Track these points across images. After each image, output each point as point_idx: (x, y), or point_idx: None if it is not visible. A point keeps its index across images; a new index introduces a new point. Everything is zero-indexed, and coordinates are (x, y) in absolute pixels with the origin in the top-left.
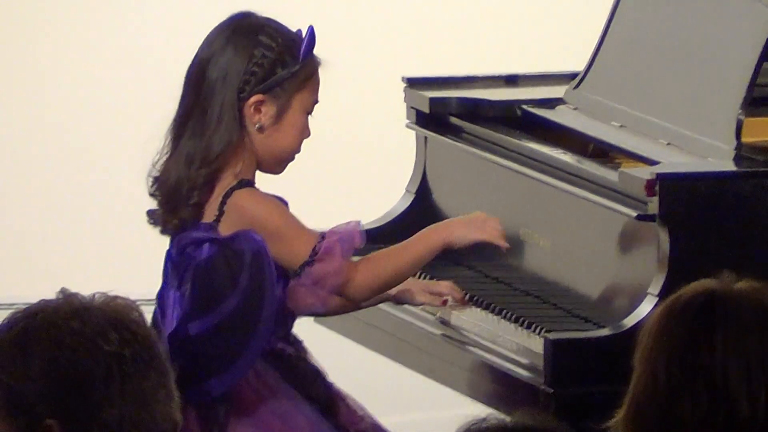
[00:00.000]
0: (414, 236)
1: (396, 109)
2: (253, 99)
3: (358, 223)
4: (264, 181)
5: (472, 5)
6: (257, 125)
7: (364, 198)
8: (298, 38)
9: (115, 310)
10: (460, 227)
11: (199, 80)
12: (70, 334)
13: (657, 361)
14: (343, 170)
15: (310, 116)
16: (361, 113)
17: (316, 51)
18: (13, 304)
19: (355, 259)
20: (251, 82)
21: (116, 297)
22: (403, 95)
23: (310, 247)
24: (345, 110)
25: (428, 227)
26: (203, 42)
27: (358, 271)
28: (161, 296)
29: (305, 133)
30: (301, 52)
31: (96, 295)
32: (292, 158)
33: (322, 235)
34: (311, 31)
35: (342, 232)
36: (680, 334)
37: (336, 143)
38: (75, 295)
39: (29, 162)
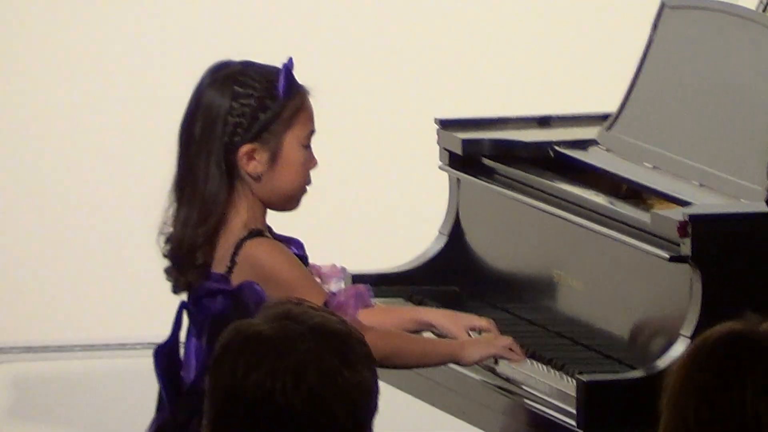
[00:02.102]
0: (430, 337)
1: (429, 150)
2: (243, 150)
3: (368, 286)
4: (292, 218)
5: (505, 46)
6: (254, 174)
7: (396, 240)
8: (276, 77)
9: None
10: (472, 346)
11: (187, 142)
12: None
13: (686, 404)
14: (376, 211)
15: (310, 147)
16: (394, 155)
17: (352, 107)
18: (30, 347)
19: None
20: (237, 134)
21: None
22: (436, 137)
23: (321, 300)
24: (378, 151)
25: (445, 340)
26: (188, 103)
27: (366, 334)
28: (166, 348)
29: (308, 164)
30: (280, 90)
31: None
32: (304, 191)
33: (333, 293)
34: (286, 67)
35: (354, 291)
36: (709, 377)
37: (369, 184)
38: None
39: (44, 205)
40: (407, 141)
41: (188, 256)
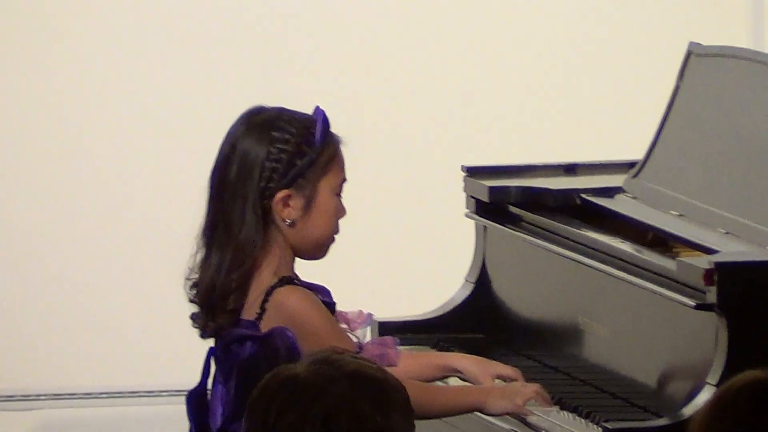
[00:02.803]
0: (453, 386)
1: (456, 198)
2: (279, 195)
3: (394, 339)
4: (319, 265)
5: (532, 94)
6: (288, 221)
7: (423, 287)
8: (312, 123)
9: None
10: (497, 396)
11: (220, 187)
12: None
13: None
14: (403, 258)
15: (341, 196)
16: (420, 202)
17: (377, 155)
18: (58, 395)
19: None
20: (273, 179)
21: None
22: (462, 184)
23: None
24: (405, 198)
25: (470, 387)
26: (221, 146)
27: None
28: (196, 394)
29: (339, 213)
30: (317, 137)
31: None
32: (332, 241)
33: (360, 345)
34: (322, 114)
35: (379, 352)
36: (733, 424)
37: (396, 231)
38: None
39: (74, 253)
40: (434, 188)
41: (220, 301)
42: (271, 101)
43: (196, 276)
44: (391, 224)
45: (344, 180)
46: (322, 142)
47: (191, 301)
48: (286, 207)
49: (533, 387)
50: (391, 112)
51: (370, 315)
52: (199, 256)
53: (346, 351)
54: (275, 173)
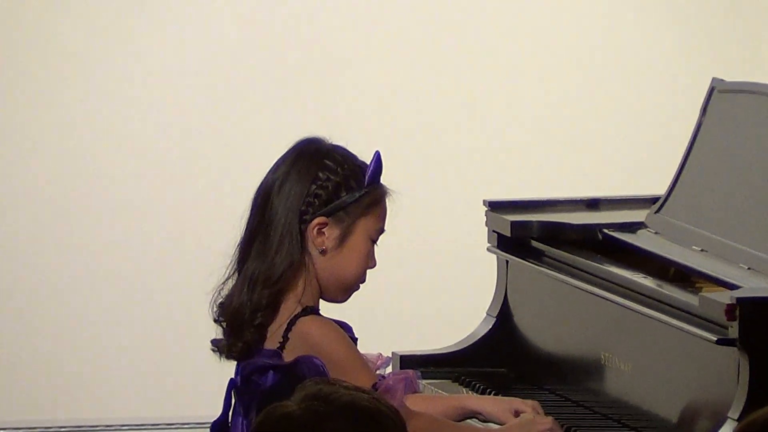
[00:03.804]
0: (473, 426)
1: (478, 232)
2: (315, 221)
3: (416, 372)
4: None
5: (554, 130)
6: (320, 248)
7: (444, 321)
8: (364, 166)
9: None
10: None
11: (263, 204)
12: None
13: None
14: (425, 293)
15: (375, 245)
16: (442, 236)
17: (387, 182)
18: (79, 427)
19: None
20: (314, 204)
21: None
22: (484, 219)
23: (370, 383)
24: (426, 233)
25: (486, 426)
26: (271, 168)
27: (411, 419)
28: (219, 425)
29: (370, 261)
30: (367, 177)
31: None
32: (357, 287)
33: (382, 377)
34: (377, 157)
35: (404, 376)
36: None
37: (418, 265)
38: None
39: (92, 287)
40: (456, 222)
41: (249, 317)
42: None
43: (224, 294)
44: (414, 258)
45: (382, 230)
46: (371, 183)
47: (216, 320)
48: (321, 235)
49: (548, 419)
50: (412, 145)
51: (388, 359)
52: (228, 275)
53: (337, 381)
54: (318, 199)
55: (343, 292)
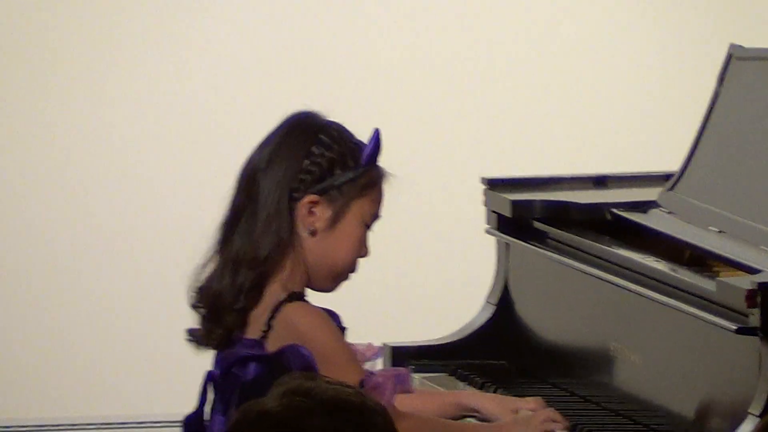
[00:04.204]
0: (468, 424)
1: (475, 213)
2: (306, 199)
3: (409, 369)
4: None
5: (558, 100)
6: (310, 228)
7: (439, 309)
8: (362, 144)
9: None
10: (512, 429)
11: (250, 181)
12: None
13: None
14: (418, 279)
15: (369, 231)
16: (436, 217)
17: (385, 164)
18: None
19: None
20: (306, 181)
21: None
22: (482, 198)
23: (357, 378)
24: (419, 214)
25: (484, 425)
26: (259, 143)
27: (399, 420)
28: (194, 421)
29: (362, 248)
30: (364, 155)
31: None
32: (346, 276)
33: (370, 373)
34: (377, 136)
35: (394, 373)
36: None
37: (410, 249)
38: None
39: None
40: (452, 202)
41: (231, 300)
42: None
43: (203, 280)
44: (405, 242)
45: (378, 215)
46: (369, 162)
47: (194, 306)
48: (311, 214)
49: (546, 410)
50: (404, 119)
51: (380, 349)
52: (212, 255)
53: (318, 376)
54: (310, 175)
55: (331, 279)
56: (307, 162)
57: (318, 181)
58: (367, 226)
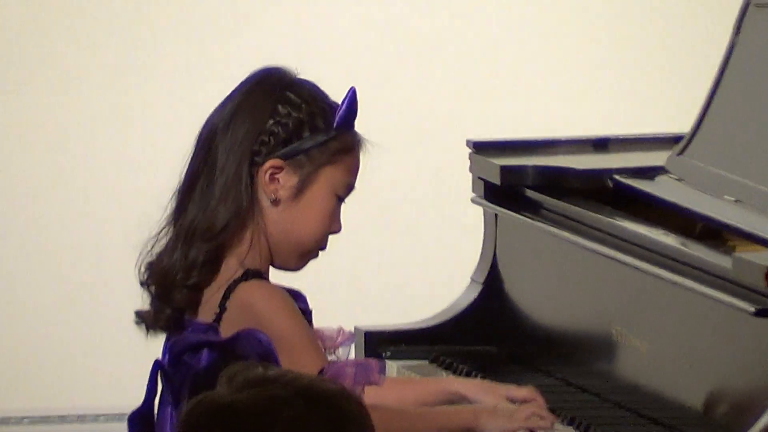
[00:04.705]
0: (437, 409)
1: (460, 179)
2: (269, 163)
3: (378, 361)
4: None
5: (552, 54)
6: (272, 197)
7: (419, 289)
8: (335, 105)
9: None
10: (490, 416)
11: (208, 143)
12: None
13: None
14: (395, 254)
15: (341, 204)
16: (416, 185)
17: (361, 128)
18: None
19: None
20: (270, 144)
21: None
22: (467, 163)
23: (317, 367)
24: (396, 180)
25: (454, 407)
26: (221, 102)
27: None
28: (140, 416)
29: (332, 222)
30: (337, 117)
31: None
32: (314, 253)
33: (333, 362)
34: (352, 95)
35: (361, 363)
36: None
37: (385, 221)
38: None
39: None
40: (433, 167)
41: (182, 276)
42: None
43: (154, 255)
44: (380, 213)
45: (352, 186)
46: (342, 125)
47: (143, 284)
48: (274, 181)
49: (532, 406)
50: (378, 74)
51: (351, 334)
52: (164, 229)
53: (270, 365)
54: (274, 138)
55: (296, 256)
56: (271, 122)
57: (283, 144)
58: (339, 198)
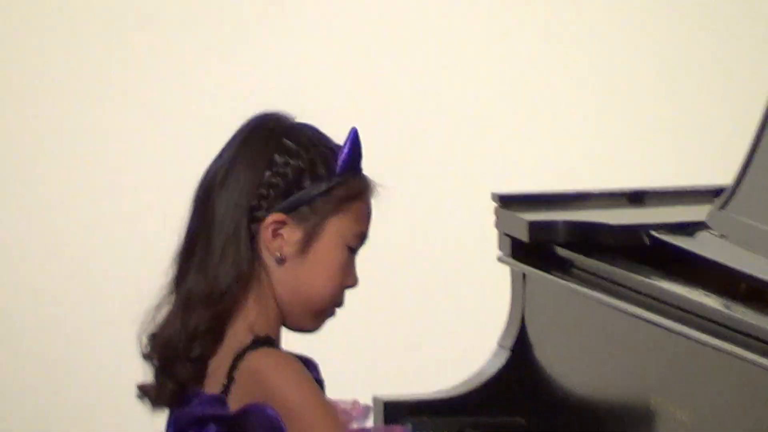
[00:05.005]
0: None
1: (484, 236)
2: (270, 219)
3: (406, 427)
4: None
5: (583, 102)
6: (276, 255)
7: (442, 355)
8: (338, 149)
9: None
10: None
11: (204, 201)
12: None
13: None
14: (415, 319)
15: (355, 255)
16: (437, 242)
17: (373, 173)
18: None
19: None
20: (269, 197)
21: None
22: (493, 218)
23: None
24: (416, 238)
25: None
26: (217, 155)
27: None
28: None
29: (346, 276)
30: (340, 161)
31: None
32: (330, 311)
33: (363, 430)
34: (354, 136)
35: (380, 428)
36: None
37: (405, 282)
38: None
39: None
40: (456, 222)
41: (184, 347)
42: None
43: (157, 325)
44: (396, 270)
45: (364, 235)
46: (346, 170)
47: (145, 357)
48: (277, 237)
49: None
50: (397, 125)
51: (367, 408)
52: (167, 294)
53: None
54: (273, 190)
55: (311, 317)
56: (268, 173)
57: (283, 196)
58: (351, 250)
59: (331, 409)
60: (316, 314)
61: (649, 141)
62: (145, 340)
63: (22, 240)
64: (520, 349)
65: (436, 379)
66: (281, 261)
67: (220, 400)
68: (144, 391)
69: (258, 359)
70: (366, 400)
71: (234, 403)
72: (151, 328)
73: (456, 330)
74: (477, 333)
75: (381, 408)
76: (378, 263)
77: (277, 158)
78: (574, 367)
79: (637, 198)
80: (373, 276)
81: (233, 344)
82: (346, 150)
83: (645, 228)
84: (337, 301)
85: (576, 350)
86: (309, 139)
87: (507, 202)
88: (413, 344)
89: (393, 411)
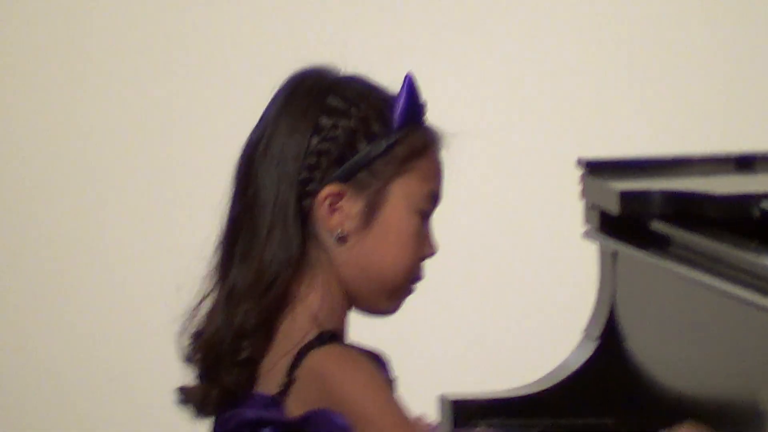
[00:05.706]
0: None
1: (568, 208)
2: (325, 191)
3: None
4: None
5: (682, 57)
6: (337, 233)
7: (518, 347)
8: (393, 99)
9: None
10: None
11: (246, 177)
12: None
13: None
14: (487, 303)
15: (428, 219)
16: (513, 215)
17: (436, 119)
18: None
19: None
20: (320, 167)
21: None
22: (579, 188)
23: None
24: (489, 207)
25: None
26: (257, 124)
27: None
28: None
29: (421, 245)
30: (396, 113)
31: None
32: (407, 288)
33: None
34: (410, 82)
35: None
36: None
37: (474, 261)
38: None
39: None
40: (535, 192)
41: (230, 347)
42: None
43: (200, 323)
44: (468, 248)
45: (436, 196)
46: (405, 123)
47: (187, 359)
48: (335, 211)
49: None
50: (467, 82)
51: (434, 427)
52: (210, 287)
53: None
54: (324, 157)
55: (386, 297)
56: (316, 140)
57: (337, 163)
58: (424, 214)
59: (402, 412)
60: (391, 294)
61: (761, 96)
62: (186, 341)
63: (34, 239)
64: (609, 339)
65: (510, 376)
66: (343, 239)
67: (276, 402)
68: (187, 396)
69: (324, 359)
70: (429, 398)
71: (292, 407)
72: (193, 326)
73: (534, 318)
74: (559, 321)
75: (449, 408)
76: (448, 237)
77: (324, 121)
78: (671, 360)
79: (746, 163)
80: (442, 256)
81: (293, 339)
82: (402, 100)
83: (755, 198)
84: (414, 276)
85: (674, 340)
86: (358, 93)
87: (595, 169)
88: (483, 335)
89: (462, 412)
